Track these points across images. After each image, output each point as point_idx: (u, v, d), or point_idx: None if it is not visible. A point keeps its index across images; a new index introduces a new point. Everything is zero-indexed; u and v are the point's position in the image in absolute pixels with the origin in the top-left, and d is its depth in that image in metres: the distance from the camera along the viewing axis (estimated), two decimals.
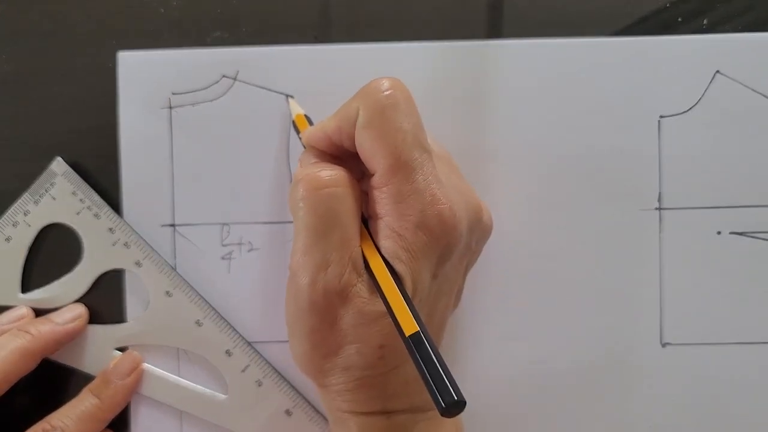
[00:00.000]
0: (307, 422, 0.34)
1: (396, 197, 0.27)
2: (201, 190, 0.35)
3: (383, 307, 0.26)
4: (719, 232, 0.35)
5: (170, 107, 0.35)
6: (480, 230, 0.30)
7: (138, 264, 0.34)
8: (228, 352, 0.34)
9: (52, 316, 0.34)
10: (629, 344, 0.35)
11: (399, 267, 0.26)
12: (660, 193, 0.35)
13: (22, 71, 0.35)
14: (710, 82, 0.35)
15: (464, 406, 0.22)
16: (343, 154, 0.29)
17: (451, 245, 0.27)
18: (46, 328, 0.33)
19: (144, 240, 0.34)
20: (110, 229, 0.34)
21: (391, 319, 0.25)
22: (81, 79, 0.35)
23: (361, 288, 0.27)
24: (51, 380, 0.35)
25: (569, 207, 0.35)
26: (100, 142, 0.35)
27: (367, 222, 0.28)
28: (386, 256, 0.27)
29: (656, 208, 0.35)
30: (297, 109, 0.33)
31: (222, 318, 0.34)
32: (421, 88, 0.35)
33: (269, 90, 0.35)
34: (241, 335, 0.35)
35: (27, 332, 0.33)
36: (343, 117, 0.28)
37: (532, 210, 0.35)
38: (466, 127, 0.35)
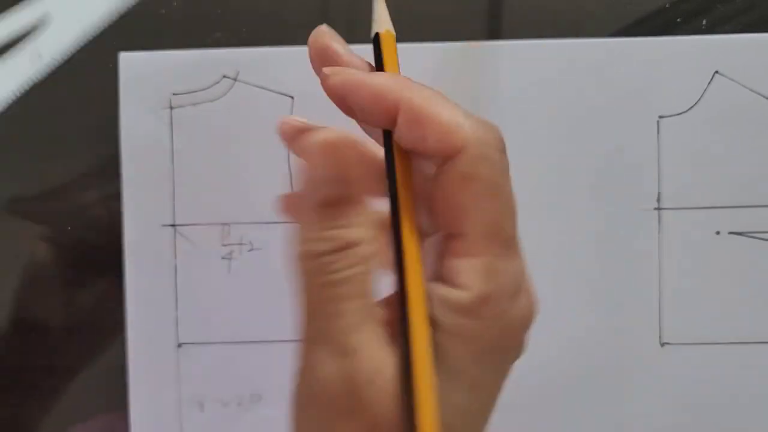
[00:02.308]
0: None
1: (485, 276, 0.21)
2: (201, 190, 0.35)
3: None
4: (718, 232, 0.35)
5: (171, 107, 0.35)
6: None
7: None
8: None
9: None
10: (628, 344, 0.35)
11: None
12: (659, 193, 0.35)
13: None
14: (709, 82, 0.35)
15: None
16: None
17: (523, 344, 0.23)
18: None
19: None
20: None
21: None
22: (81, 79, 0.35)
23: (393, 367, 0.20)
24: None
25: (568, 207, 0.35)
26: (100, 142, 0.35)
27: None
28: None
29: (655, 208, 0.35)
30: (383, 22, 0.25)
31: None
32: None
33: (270, 90, 0.35)
34: None
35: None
36: (416, 145, 0.21)
37: (532, 209, 0.35)
38: None
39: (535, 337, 0.35)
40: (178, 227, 0.35)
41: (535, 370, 0.35)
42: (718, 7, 0.36)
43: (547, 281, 0.35)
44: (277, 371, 0.35)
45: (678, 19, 0.36)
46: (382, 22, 0.25)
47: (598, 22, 0.36)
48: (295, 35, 0.35)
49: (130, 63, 0.35)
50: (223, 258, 0.35)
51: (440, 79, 0.35)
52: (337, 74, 0.23)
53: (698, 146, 0.35)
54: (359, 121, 0.23)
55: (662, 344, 0.35)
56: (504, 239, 0.21)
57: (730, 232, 0.35)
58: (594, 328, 0.35)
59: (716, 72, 0.35)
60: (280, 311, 0.35)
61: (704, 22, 0.36)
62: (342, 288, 0.20)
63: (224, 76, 0.35)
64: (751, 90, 0.35)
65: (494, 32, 0.35)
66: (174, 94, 0.35)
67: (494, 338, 0.21)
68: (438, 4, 0.35)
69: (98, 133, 0.35)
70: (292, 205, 0.25)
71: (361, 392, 0.20)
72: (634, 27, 0.36)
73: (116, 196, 0.35)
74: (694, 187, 0.35)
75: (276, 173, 0.35)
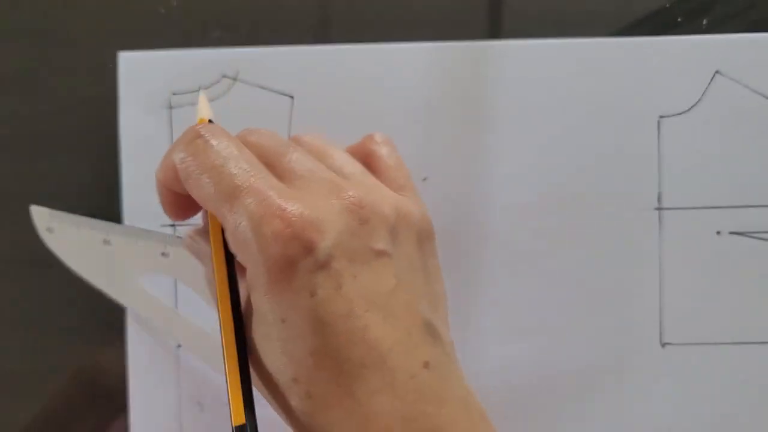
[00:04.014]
0: None
1: (230, 233, 0.25)
2: None
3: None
4: (719, 232, 0.35)
5: (170, 107, 0.35)
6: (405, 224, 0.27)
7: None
8: None
9: None
10: (629, 344, 0.35)
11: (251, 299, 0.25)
12: (659, 193, 0.35)
13: (22, 71, 0.35)
14: (710, 82, 0.35)
15: None
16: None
17: (298, 258, 0.24)
18: None
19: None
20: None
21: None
22: (81, 79, 0.35)
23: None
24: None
25: (568, 207, 0.35)
26: (100, 142, 0.35)
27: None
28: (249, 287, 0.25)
29: (656, 208, 0.35)
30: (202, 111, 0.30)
31: None
32: (420, 89, 0.35)
33: (269, 90, 0.35)
34: None
35: None
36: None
37: (531, 209, 0.35)
38: (466, 128, 0.35)
39: (535, 337, 0.35)
40: (177, 227, 0.35)
41: (535, 369, 0.35)
42: (718, 6, 0.36)
43: (547, 281, 0.35)
44: None
45: (678, 19, 0.36)
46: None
47: (598, 22, 0.36)
48: (295, 35, 0.35)
49: (130, 63, 0.35)
50: None
51: (440, 79, 0.35)
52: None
53: (699, 146, 0.35)
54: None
55: (663, 344, 0.35)
56: (224, 198, 0.25)
57: (731, 232, 0.35)
58: (594, 328, 0.35)
59: (717, 72, 0.35)
60: None
61: (705, 21, 0.36)
62: None
63: (224, 76, 0.35)
64: (752, 90, 0.35)
65: (494, 32, 0.35)
66: (174, 93, 0.35)
67: (258, 269, 0.24)
68: (438, 4, 0.35)
69: (98, 133, 0.35)
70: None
71: None
72: (634, 27, 0.36)
73: (116, 196, 0.35)
74: (694, 187, 0.35)
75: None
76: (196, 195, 0.26)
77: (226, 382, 0.24)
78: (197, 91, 0.35)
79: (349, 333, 0.24)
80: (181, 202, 0.27)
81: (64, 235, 0.34)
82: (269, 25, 0.35)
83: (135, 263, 0.34)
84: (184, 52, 0.35)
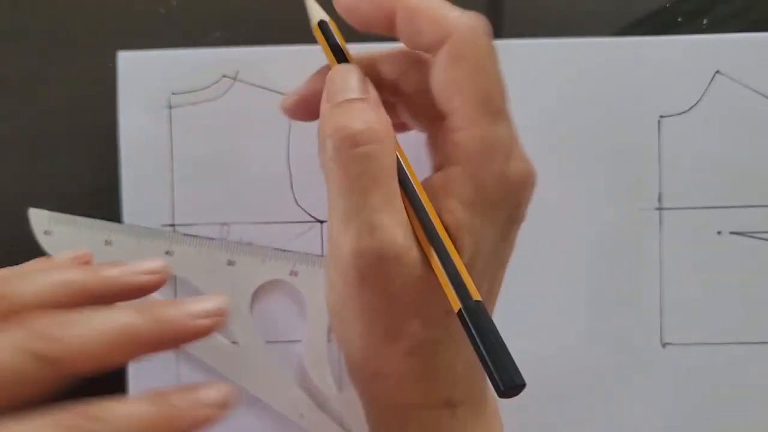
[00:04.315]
0: None
1: (480, 142, 0.24)
2: (201, 190, 0.35)
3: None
4: (719, 232, 0.35)
5: (170, 107, 0.35)
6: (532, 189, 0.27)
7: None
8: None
9: (188, 304, 0.22)
10: (629, 344, 0.35)
11: (471, 221, 0.24)
12: (660, 193, 0.35)
13: (22, 71, 0.35)
14: (710, 82, 0.35)
15: (523, 389, 0.21)
16: (381, 83, 0.26)
17: (525, 204, 0.25)
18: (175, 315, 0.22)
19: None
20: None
21: (447, 284, 0.23)
22: (81, 79, 0.35)
23: (417, 250, 0.24)
24: None
25: (568, 206, 0.35)
26: (100, 142, 0.35)
27: (402, 173, 0.25)
28: (462, 205, 0.24)
29: (656, 208, 0.35)
30: (318, 13, 0.29)
31: None
32: None
33: (269, 90, 0.35)
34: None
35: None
36: (414, 40, 0.24)
37: (532, 209, 0.35)
38: None
39: (535, 337, 0.35)
40: (177, 227, 0.35)
41: (535, 369, 0.34)
42: (718, 6, 0.36)
43: (547, 281, 0.35)
44: (277, 371, 0.35)
45: (678, 19, 0.36)
46: (317, 16, 0.28)
47: (598, 22, 0.36)
48: (295, 35, 0.35)
49: (130, 62, 0.35)
50: None
51: None
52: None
53: (699, 146, 0.35)
54: (366, 29, 0.26)
55: (663, 344, 0.35)
56: (493, 110, 0.24)
57: (732, 232, 0.35)
58: (595, 328, 0.35)
59: (717, 72, 0.35)
60: (282, 310, 0.35)
61: (705, 21, 0.36)
62: (372, 164, 0.23)
63: (224, 76, 0.35)
64: (752, 90, 0.35)
65: (494, 32, 0.35)
66: (173, 93, 0.35)
67: (492, 195, 0.24)
68: None
69: (98, 132, 0.35)
70: (303, 105, 0.28)
71: (389, 267, 0.23)
72: (634, 27, 0.36)
73: (116, 196, 0.35)
74: (695, 187, 0.35)
75: (276, 173, 0.35)
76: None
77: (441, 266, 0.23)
78: (197, 91, 0.35)
79: None
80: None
81: (63, 237, 0.34)
82: (269, 25, 0.35)
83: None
84: (184, 52, 0.35)
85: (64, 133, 0.35)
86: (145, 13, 0.35)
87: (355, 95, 0.25)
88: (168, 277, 0.24)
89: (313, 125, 0.31)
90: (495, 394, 0.22)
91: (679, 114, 0.35)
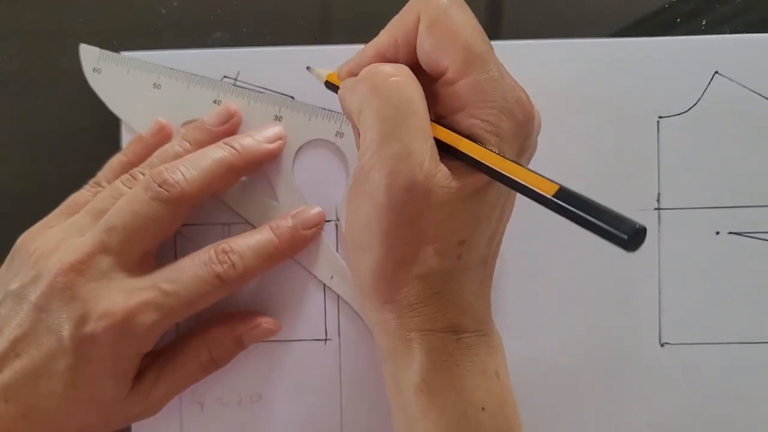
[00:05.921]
0: None
1: (475, 87, 0.26)
2: None
3: (467, 194, 0.26)
4: (718, 232, 0.35)
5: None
6: (537, 123, 0.29)
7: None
8: None
9: (253, 132, 0.33)
10: (628, 344, 0.35)
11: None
12: (659, 194, 0.35)
13: (22, 71, 0.35)
14: (709, 82, 0.35)
15: (646, 232, 0.23)
16: None
17: (530, 134, 0.28)
18: (249, 142, 0.32)
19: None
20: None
21: (516, 189, 0.25)
22: (81, 79, 0.35)
23: (442, 177, 0.26)
24: None
25: None
26: (100, 142, 0.35)
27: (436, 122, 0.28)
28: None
29: (655, 209, 0.35)
30: (323, 72, 0.32)
31: None
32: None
33: (269, 90, 0.35)
34: None
35: (231, 147, 0.32)
36: (399, 26, 0.28)
37: (531, 209, 0.35)
38: None
39: (535, 337, 0.35)
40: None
41: (535, 369, 0.35)
42: (717, 7, 0.36)
43: (547, 281, 0.35)
44: (276, 371, 0.35)
45: (678, 19, 0.36)
46: (324, 74, 0.32)
47: (598, 22, 0.36)
48: (295, 35, 0.35)
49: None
50: None
51: None
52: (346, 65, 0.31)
53: (698, 146, 0.35)
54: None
55: (662, 344, 0.35)
56: (478, 56, 0.26)
57: (730, 232, 0.35)
58: (594, 328, 0.35)
59: (716, 72, 0.35)
60: (283, 309, 0.35)
61: (704, 22, 0.36)
62: (406, 94, 0.27)
63: (224, 76, 0.35)
64: (751, 90, 0.35)
65: (494, 32, 0.35)
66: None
67: (499, 129, 0.26)
68: None
69: (98, 133, 0.35)
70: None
71: (417, 190, 0.26)
72: (634, 27, 0.36)
73: None
74: (693, 187, 0.35)
75: (276, 172, 0.35)
76: None
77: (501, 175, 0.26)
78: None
79: None
80: None
81: (112, 76, 0.34)
82: (269, 26, 0.35)
83: (184, 109, 0.34)
84: (185, 52, 0.35)
85: (64, 133, 0.35)
86: (146, 13, 0.35)
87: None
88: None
89: None
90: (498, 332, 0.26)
91: (678, 114, 0.35)
